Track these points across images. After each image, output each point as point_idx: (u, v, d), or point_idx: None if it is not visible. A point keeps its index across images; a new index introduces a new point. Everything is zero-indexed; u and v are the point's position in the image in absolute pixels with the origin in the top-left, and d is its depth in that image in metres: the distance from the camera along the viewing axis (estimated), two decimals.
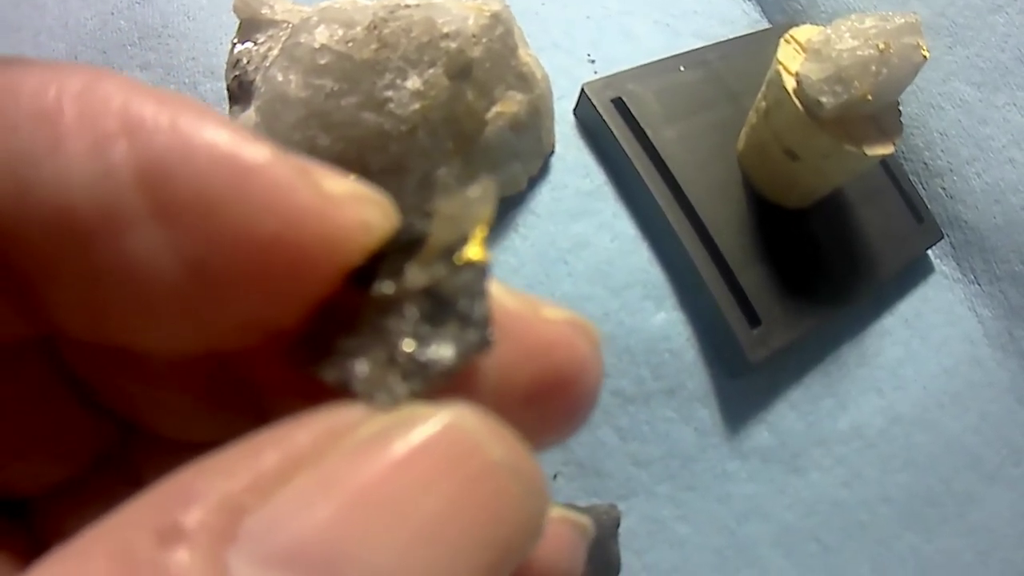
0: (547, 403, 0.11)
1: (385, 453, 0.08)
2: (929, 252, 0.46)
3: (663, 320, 0.39)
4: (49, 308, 0.09)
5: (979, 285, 0.45)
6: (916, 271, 0.45)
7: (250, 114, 0.33)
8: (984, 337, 0.45)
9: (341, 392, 0.09)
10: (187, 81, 0.44)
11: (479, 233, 0.10)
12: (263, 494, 0.08)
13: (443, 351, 0.09)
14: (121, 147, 0.08)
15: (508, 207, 0.39)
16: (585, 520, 0.12)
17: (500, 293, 0.10)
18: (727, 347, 0.38)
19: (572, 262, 0.38)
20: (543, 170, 0.40)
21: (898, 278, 0.44)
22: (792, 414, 0.40)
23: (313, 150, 0.32)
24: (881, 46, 0.34)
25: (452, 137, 0.34)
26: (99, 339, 0.10)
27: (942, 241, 0.46)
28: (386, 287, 0.09)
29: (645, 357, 0.38)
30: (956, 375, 0.44)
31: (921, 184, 0.46)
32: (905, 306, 0.44)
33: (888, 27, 0.35)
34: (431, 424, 0.08)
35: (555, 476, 0.38)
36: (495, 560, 0.08)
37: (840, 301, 0.40)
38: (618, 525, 0.37)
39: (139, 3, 0.46)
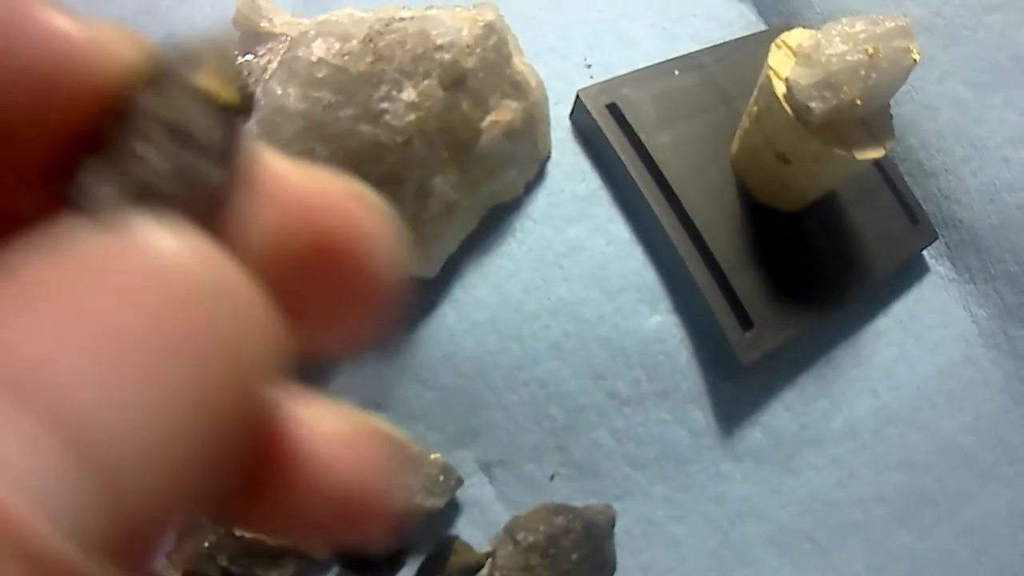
0: (323, 275, 0.10)
1: (86, 272, 0.08)
2: (924, 252, 0.46)
3: (657, 323, 0.39)
4: None
5: (974, 285, 0.46)
6: (911, 271, 0.46)
7: (250, 126, 0.34)
8: (979, 337, 0.45)
9: (80, 210, 0.09)
10: None
11: (228, 80, 0.10)
12: None
13: (172, 178, 0.09)
14: None
15: (505, 212, 0.39)
16: (406, 441, 0.11)
17: (273, 156, 0.10)
18: (720, 349, 0.38)
19: (568, 266, 0.39)
20: (539, 175, 0.40)
21: (893, 279, 0.45)
22: (786, 415, 0.41)
23: (312, 161, 0.33)
24: (870, 51, 0.35)
25: (447, 146, 0.35)
26: None
27: (937, 241, 0.46)
28: (137, 114, 0.10)
29: (640, 359, 0.39)
30: (951, 375, 0.44)
31: (916, 184, 0.46)
32: (900, 306, 0.44)
33: (878, 31, 0.35)
34: (132, 240, 0.08)
35: (552, 477, 0.39)
36: (213, 398, 0.08)
37: (834, 303, 0.41)
38: (613, 525, 0.38)
39: (143, 14, 0.47)
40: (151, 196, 0.09)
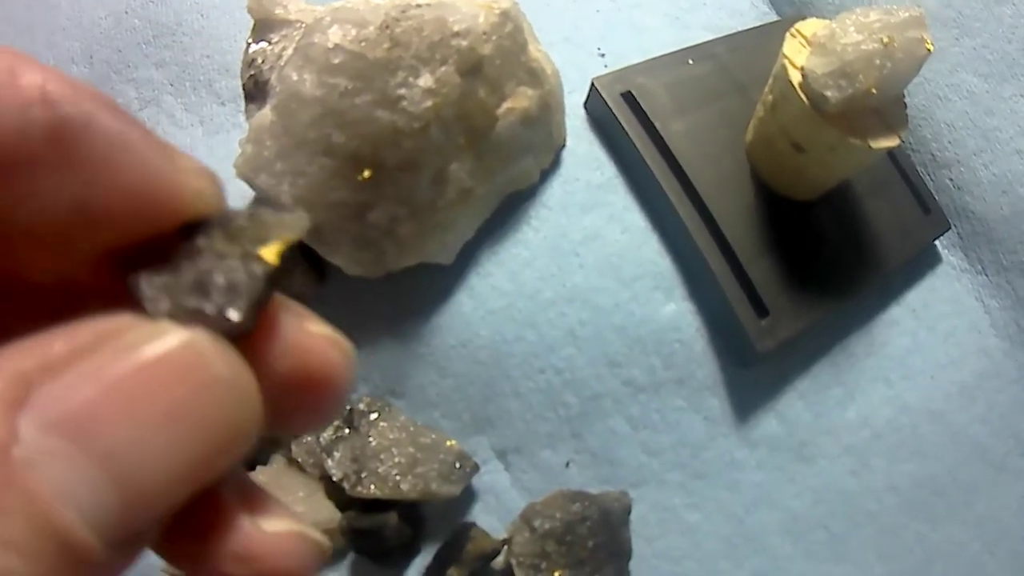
0: (301, 394, 0.14)
1: (136, 355, 0.11)
2: (937, 243, 0.46)
3: (673, 311, 0.39)
4: None
5: (986, 276, 0.46)
6: (924, 262, 0.46)
7: (266, 112, 0.34)
8: (991, 327, 0.45)
9: (138, 304, 0.12)
10: (202, 78, 0.45)
11: (278, 245, 0.13)
12: (49, 374, 0.10)
13: (204, 302, 0.12)
14: (37, 110, 0.11)
15: (520, 200, 0.39)
16: (321, 539, 0.15)
17: (283, 303, 0.14)
18: (736, 337, 0.38)
19: (583, 254, 0.39)
20: (554, 163, 0.40)
21: (906, 269, 0.45)
22: (800, 403, 0.41)
23: (329, 147, 0.33)
24: (885, 40, 0.35)
25: (464, 133, 0.35)
26: None
27: (949, 232, 0.46)
28: (199, 239, 0.13)
29: (655, 347, 0.39)
30: (963, 365, 0.44)
31: (928, 175, 0.46)
32: (913, 296, 0.44)
33: (892, 21, 0.35)
34: (173, 338, 0.11)
35: (567, 464, 0.39)
36: (208, 453, 0.11)
37: (848, 292, 0.41)
38: (629, 512, 0.38)
39: (153, 2, 0.47)
40: (192, 313, 0.12)
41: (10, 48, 0.12)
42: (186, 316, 0.12)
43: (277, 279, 0.13)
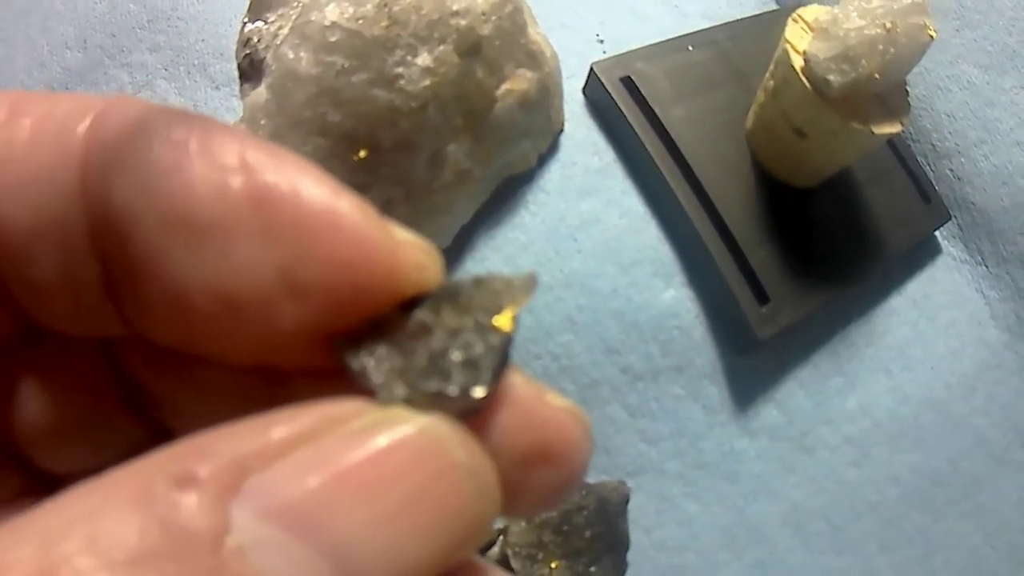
0: (538, 471, 0.13)
1: (370, 443, 0.10)
2: (937, 233, 0.46)
3: (672, 297, 0.39)
4: (138, 310, 0.12)
5: (986, 267, 0.45)
6: (924, 252, 0.46)
7: (261, 91, 0.33)
8: (991, 319, 0.45)
9: (356, 386, 0.11)
10: (196, 63, 0.45)
11: (511, 310, 0.12)
12: (267, 460, 0.10)
13: (445, 383, 0.11)
14: (238, 178, 0.11)
15: (518, 184, 0.39)
16: None
17: (518, 374, 0.13)
18: (736, 324, 0.38)
19: (581, 239, 0.38)
20: (552, 148, 0.40)
21: (906, 258, 0.44)
22: (800, 392, 0.40)
23: (324, 126, 0.33)
24: (888, 25, 0.34)
25: (462, 114, 0.34)
26: (175, 343, 0.12)
27: (950, 222, 0.46)
28: (425, 315, 0.12)
29: (654, 334, 0.38)
30: (963, 356, 0.44)
31: (929, 165, 0.46)
32: (913, 286, 0.44)
33: (895, 7, 0.35)
34: (411, 425, 0.10)
35: None
36: (445, 545, 0.10)
37: (848, 280, 0.41)
38: (627, 502, 0.37)
39: None
40: (431, 398, 0.11)
41: (209, 117, 0.11)
42: (424, 401, 0.11)
43: (510, 343, 0.12)
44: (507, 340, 0.12)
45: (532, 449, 0.12)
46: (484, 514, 0.11)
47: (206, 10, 0.45)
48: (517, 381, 0.13)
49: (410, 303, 0.12)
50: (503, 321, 0.12)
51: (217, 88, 0.44)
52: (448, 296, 0.12)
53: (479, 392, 0.11)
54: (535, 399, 0.13)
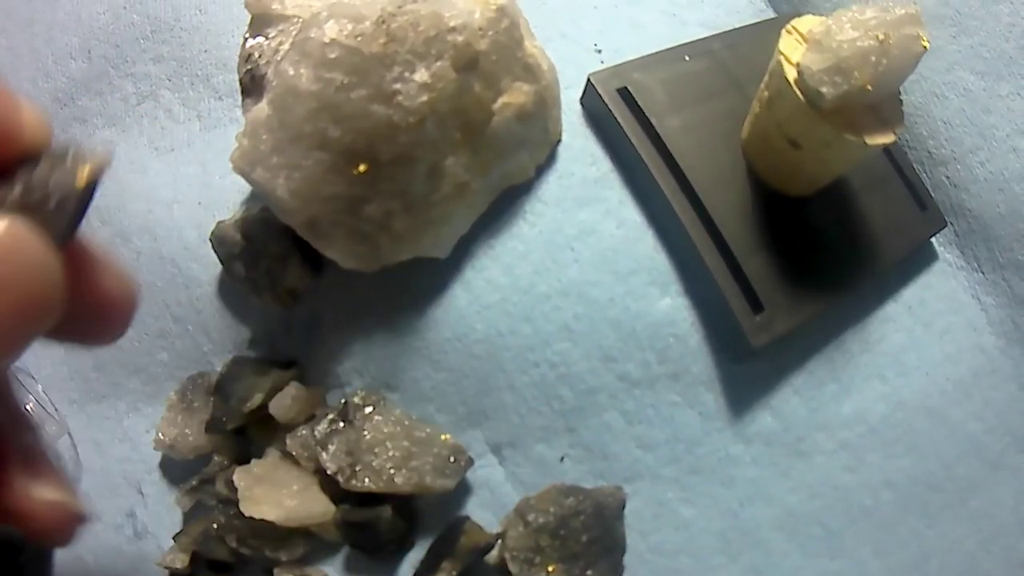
0: (100, 306, 0.19)
1: None
2: (933, 240, 0.46)
3: (668, 305, 0.39)
4: None
5: (983, 273, 0.46)
6: (920, 259, 0.46)
7: (263, 106, 0.34)
8: (988, 325, 0.45)
9: None
10: (200, 73, 0.45)
11: (91, 168, 0.18)
12: None
13: (47, 201, 0.17)
14: None
15: (517, 195, 0.39)
16: (81, 510, 0.20)
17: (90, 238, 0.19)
18: (731, 332, 0.38)
19: (579, 248, 0.39)
20: (550, 158, 0.40)
21: (901, 265, 0.45)
22: (795, 399, 0.41)
23: (324, 141, 0.33)
24: (881, 37, 0.35)
25: (460, 128, 0.35)
26: None
27: (946, 229, 0.46)
28: (38, 165, 0.18)
29: (650, 342, 0.39)
30: (959, 362, 0.44)
31: (925, 172, 0.46)
32: (909, 293, 0.45)
33: (888, 18, 0.35)
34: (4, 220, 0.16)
35: (562, 459, 0.39)
36: (20, 314, 0.15)
37: (843, 288, 0.41)
38: (623, 507, 0.38)
39: None
40: (33, 208, 0.17)
41: None
42: (26, 211, 0.17)
43: (90, 197, 0.18)
44: (83, 192, 0.18)
45: (96, 291, 0.19)
46: (47, 295, 0.16)
47: (208, 21, 0.46)
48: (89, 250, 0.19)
49: (26, 158, 0.18)
50: (81, 183, 0.18)
51: (220, 99, 0.45)
52: (51, 158, 0.18)
53: (60, 222, 0.17)
54: (101, 266, 0.19)
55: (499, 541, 0.37)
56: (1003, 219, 0.45)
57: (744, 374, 0.40)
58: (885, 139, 0.36)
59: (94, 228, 0.44)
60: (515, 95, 0.36)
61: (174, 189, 0.43)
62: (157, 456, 0.41)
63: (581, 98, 0.42)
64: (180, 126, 0.45)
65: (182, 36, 0.46)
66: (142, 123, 0.45)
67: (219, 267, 0.40)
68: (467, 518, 0.38)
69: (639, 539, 0.39)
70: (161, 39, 0.46)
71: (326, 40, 0.32)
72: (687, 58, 0.42)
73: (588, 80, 0.40)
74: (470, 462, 0.38)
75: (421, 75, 0.33)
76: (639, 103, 0.40)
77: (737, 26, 0.46)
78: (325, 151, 0.33)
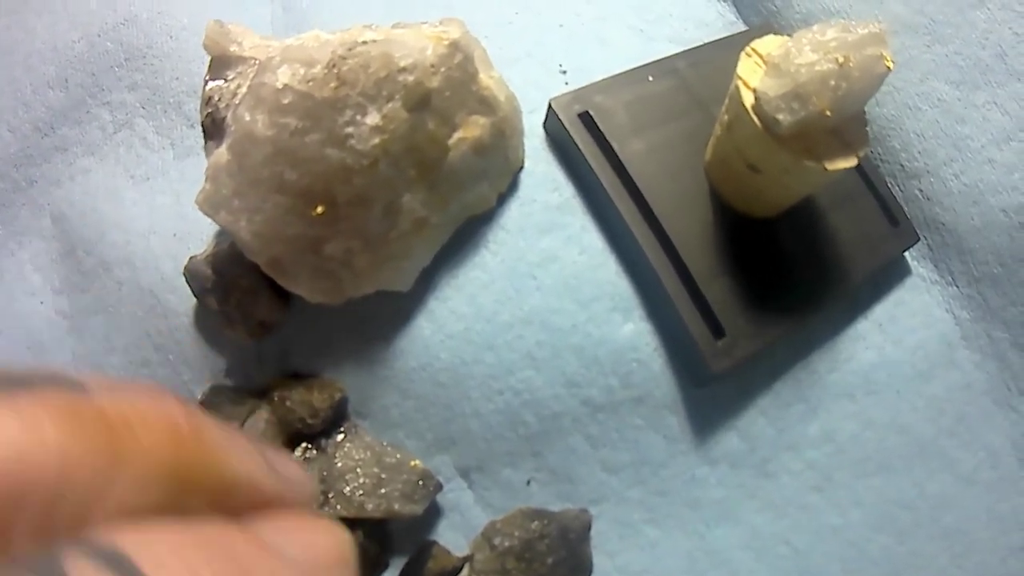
0: None
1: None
2: (906, 254, 0.46)
3: (631, 331, 0.39)
4: None
5: (957, 287, 0.45)
6: (892, 274, 0.45)
7: (222, 151, 0.35)
8: (962, 339, 0.45)
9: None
10: (172, 101, 0.46)
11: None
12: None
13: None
14: None
15: (478, 224, 0.40)
16: None
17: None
18: (692, 358, 0.39)
19: (541, 276, 0.39)
20: (512, 185, 0.41)
21: (873, 282, 0.44)
22: (762, 420, 0.41)
23: (282, 185, 0.34)
24: (841, 60, 0.34)
25: (414, 165, 0.35)
26: None
27: (920, 243, 0.45)
28: None
29: (613, 367, 0.39)
30: (932, 378, 0.44)
31: (898, 186, 0.46)
32: (880, 310, 0.44)
33: (850, 39, 0.34)
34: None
35: (528, 482, 0.39)
36: None
37: (810, 309, 0.41)
38: (589, 528, 0.39)
39: (124, 24, 0.47)
40: None
41: None
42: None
43: None
44: None
45: None
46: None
47: (179, 48, 0.46)
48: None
49: None
50: None
51: (192, 127, 0.45)
52: None
53: None
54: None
55: (467, 564, 0.38)
56: (978, 232, 0.44)
57: (709, 396, 0.40)
58: (847, 163, 0.36)
59: (79, 258, 0.45)
60: (471, 129, 0.37)
61: (150, 220, 0.44)
62: None
63: (544, 123, 0.42)
64: (155, 154, 0.45)
65: (154, 63, 0.46)
66: (119, 152, 0.46)
67: (194, 299, 0.41)
68: (435, 542, 0.38)
69: (606, 559, 0.39)
70: (134, 67, 0.47)
71: (279, 86, 0.33)
72: (650, 78, 0.42)
73: (549, 105, 0.40)
74: (438, 487, 0.39)
75: (372, 118, 0.33)
76: (600, 127, 0.40)
77: (707, 39, 0.45)
78: (283, 194, 0.34)
